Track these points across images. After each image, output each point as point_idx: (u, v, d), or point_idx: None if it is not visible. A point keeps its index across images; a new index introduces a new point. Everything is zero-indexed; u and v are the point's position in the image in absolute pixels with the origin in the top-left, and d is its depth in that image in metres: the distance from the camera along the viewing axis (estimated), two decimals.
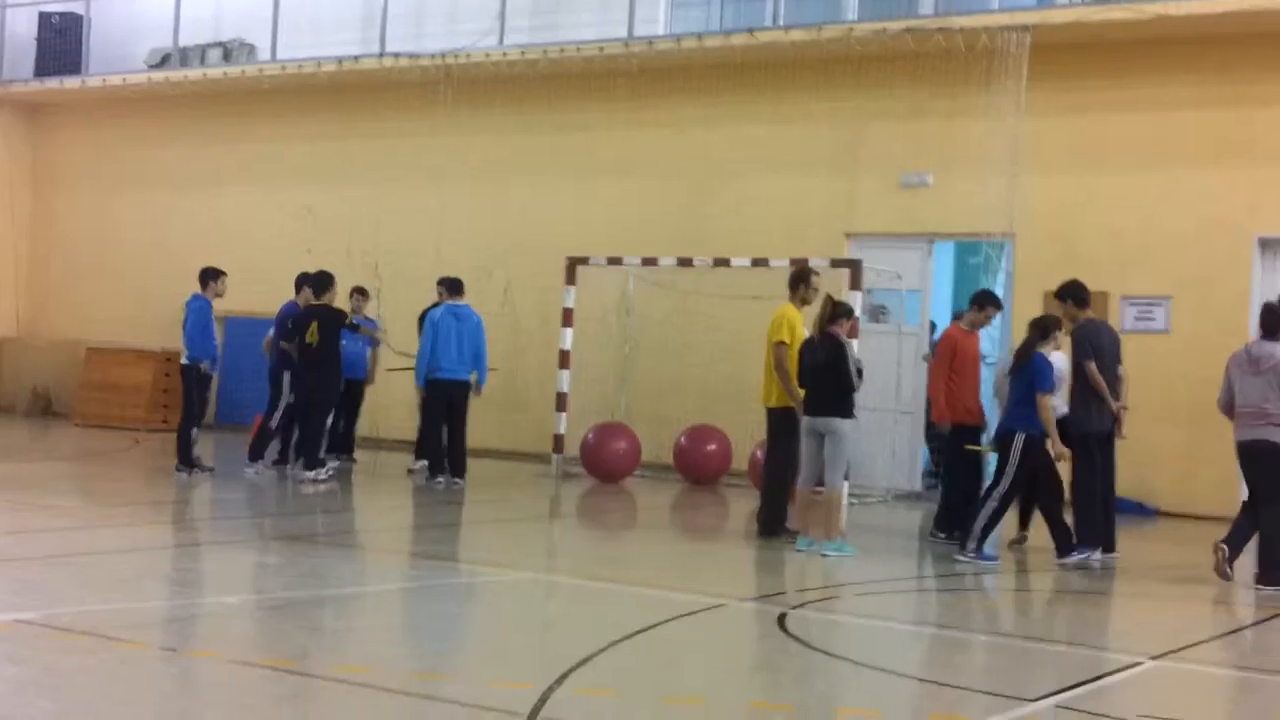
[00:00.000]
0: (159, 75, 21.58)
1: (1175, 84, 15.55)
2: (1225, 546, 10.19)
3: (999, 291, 15.00)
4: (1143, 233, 15.56)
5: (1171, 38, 15.32)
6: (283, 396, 14.98)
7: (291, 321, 14.81)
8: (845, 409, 10.95)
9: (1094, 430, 11.31)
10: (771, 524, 11.64)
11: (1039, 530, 11.59)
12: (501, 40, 18.97)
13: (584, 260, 17.06)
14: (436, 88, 19.19)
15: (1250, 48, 15.17)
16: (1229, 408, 10.53)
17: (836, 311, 11.11)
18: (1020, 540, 12.18)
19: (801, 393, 11.25)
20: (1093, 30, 15.47)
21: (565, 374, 16.92)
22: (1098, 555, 11.22)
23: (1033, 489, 11.47)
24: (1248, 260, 15.18)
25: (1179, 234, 15.40)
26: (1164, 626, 8.84)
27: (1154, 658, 7.63)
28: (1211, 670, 7.74)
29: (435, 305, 15.17)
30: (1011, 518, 11.71)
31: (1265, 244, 15.25)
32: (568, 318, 16.97)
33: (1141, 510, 15.07)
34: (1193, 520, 14.71)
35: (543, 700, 5.95)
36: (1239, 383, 10.41)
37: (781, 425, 11.65)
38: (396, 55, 19.49)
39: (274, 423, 15.06)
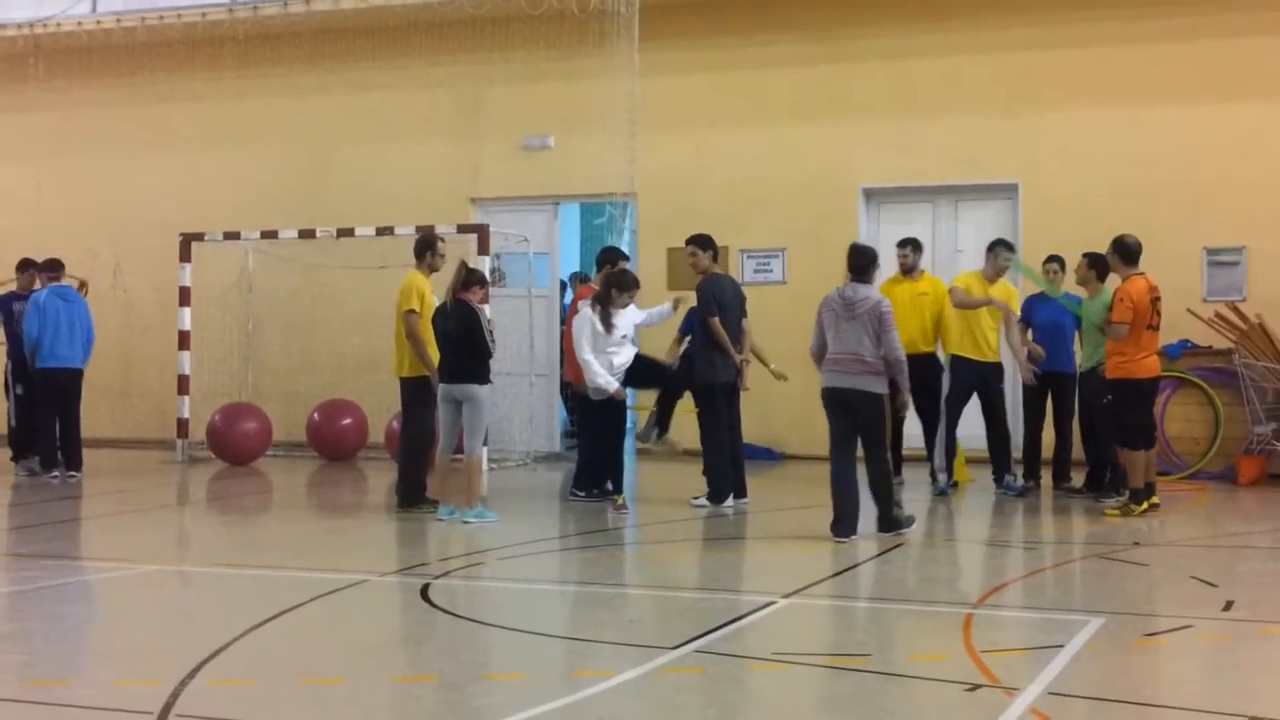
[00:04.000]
0: None
1: (779, 42, 16.15)
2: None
3: (625, 250, 15.23)
4: (757, 187, 16.12)
5: None
6: None
7: None
8: (481, 375, 10.89)
9: (719, 381, 11.67)
10: (411, 495, 11.49)
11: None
12: (95, 8, 17.93)
13: (199, 236, 16.38)
14: (26, 60, 18.01)
15: (844, 5, 15.90)
16: (821, 355, 10.06)
17: (470, 279, 11.02)
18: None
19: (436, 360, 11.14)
20: None
21: (186, 355, 16.23)
22: (730, 501, 11.61)
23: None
24: (853, 210, 15.95)
25: (790, 187, 16.03)
26: (794, 566, 9.17)
27: (786, 596, 7.91)
28: (838, 604, 8.08)
29: (39, 290, 14.32)
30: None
31: (869, 194, 16.06)
32: (185, 296, 16.26)
33: (770, 455, 15.66)
34: (816, 461, 15.38)
35: (174, 696, 5.65)
36: (832, 328, 9.92)
37: (416, 395, 11.51)
38: None
39: None
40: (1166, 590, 8.45)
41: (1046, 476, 12.76)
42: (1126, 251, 11.22)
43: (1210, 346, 14.01)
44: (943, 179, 15.70)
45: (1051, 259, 12.74)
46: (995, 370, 12.57)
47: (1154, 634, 7.06)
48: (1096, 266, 11.91)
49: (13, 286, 14.91)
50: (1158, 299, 11.14)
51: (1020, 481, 12.45)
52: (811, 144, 16.03)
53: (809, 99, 16.06)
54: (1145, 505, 11.04)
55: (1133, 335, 11.00)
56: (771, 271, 16.11)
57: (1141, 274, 11.16)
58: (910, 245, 12.93)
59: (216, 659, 6.35)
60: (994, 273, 12.55)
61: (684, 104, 16.43)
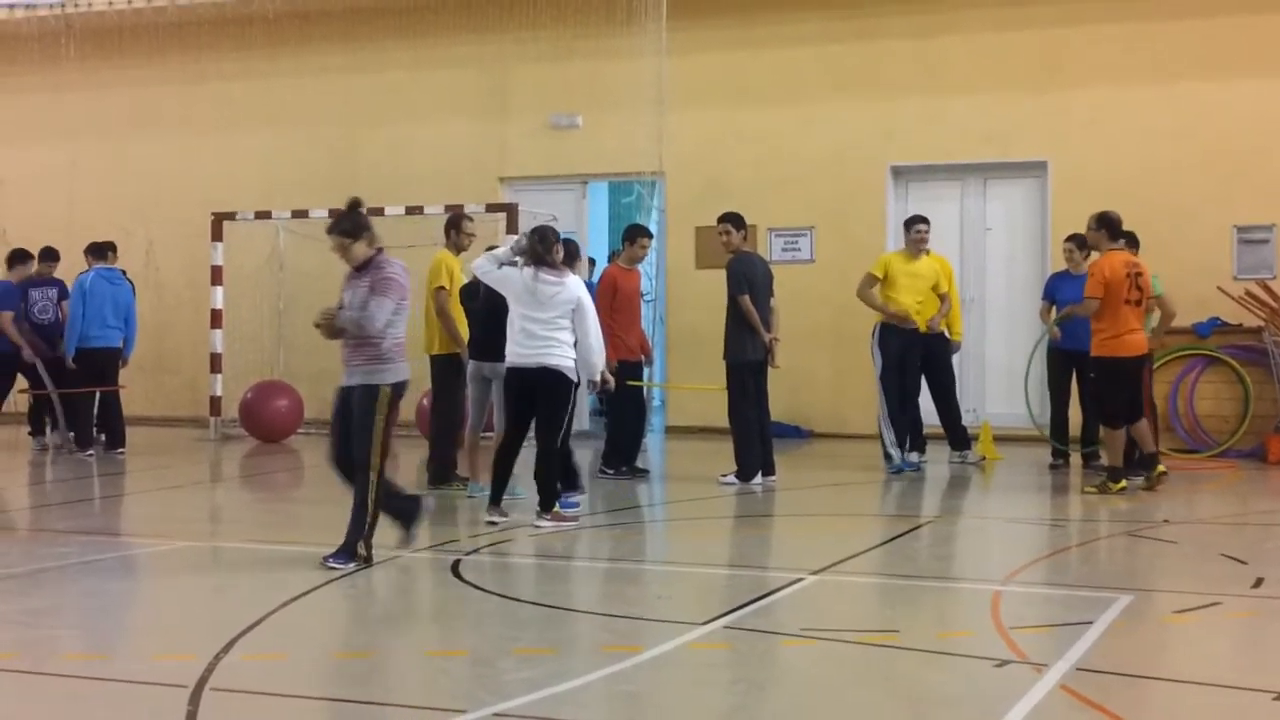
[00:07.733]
0: None
1: (807, 19, 16.12)
2: None
3: (653, 229, 15.24)
4: (785, 165, 16.11)
5: None
6: None
7: None
8: None
9: (747, 360, 11.70)
10: (441, 472, 11.56)
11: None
12: None
13: (230, 215, 16.47)
14: (58, 40, 18.12)
15: None
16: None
17: None
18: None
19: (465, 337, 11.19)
20: None
21: (218, 334, 16.35)
22: (758, 479, 11.65)
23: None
24: (882, 188, 15.92)
25: (818, 165, 16.01)
26: (822, 543, 9.20)
27: (814, 573, 7.95)
28: (866, 580, 8.12)
29: (85, 272, 14.56)
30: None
31: (897, 172, 16.03)
32: (217, 276, 16.37)
33: (798, 433, 15.69)
34: (844, 439, 15.43)
35: (209, 670, 5.73)
36: None
37: (446, 372, 11.57)
38: (11, 6, 18.28)
39: None
40: (1195, 567, 8.45)
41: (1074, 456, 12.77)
42: (1110, 225, 11.02)
43: (1240, 324, 13.96)
44: (971, 157, 15.66)
45: (1071, 238, 12.71)
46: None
47: (1183, 611, 7.06)
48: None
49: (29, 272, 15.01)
50: (1139, 274, 10.92)
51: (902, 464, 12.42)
52: (840, 122, 16.01)
53: (837, 77, 16.03)
54: (1124, 483, 10.94)
55: (1109, 311, 10.81)
56: (800, 250, 16.10)
57: (1121, 249, 11.02)
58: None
59: (250, 634, 6.43)
60: (915, 250, 12.73)
61: (712, 82, 16.42)
